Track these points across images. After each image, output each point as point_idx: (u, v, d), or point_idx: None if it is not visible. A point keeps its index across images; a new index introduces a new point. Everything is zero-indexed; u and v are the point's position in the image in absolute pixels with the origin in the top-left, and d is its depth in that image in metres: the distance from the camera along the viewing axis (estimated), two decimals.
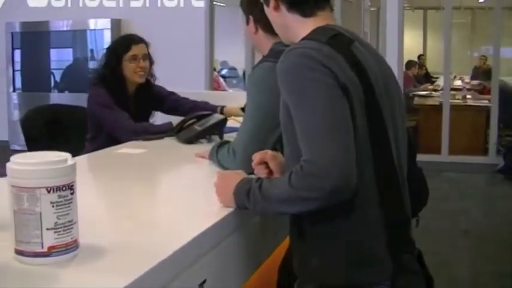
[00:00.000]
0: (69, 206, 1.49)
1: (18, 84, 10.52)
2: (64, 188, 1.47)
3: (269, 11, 2.08)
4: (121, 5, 9.50)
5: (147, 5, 9.30)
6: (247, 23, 2.75)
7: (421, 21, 17.01)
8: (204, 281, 1.79)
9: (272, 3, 2.04)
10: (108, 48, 4.01)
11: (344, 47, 1.87)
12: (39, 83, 10.54)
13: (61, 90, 10.45)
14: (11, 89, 10.47)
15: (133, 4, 9.40)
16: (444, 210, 5.96)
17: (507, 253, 5.27)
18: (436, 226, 5.28)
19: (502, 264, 4.99)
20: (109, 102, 3.81)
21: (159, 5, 9.34)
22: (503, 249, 5.39)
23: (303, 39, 1.93)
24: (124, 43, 3.94)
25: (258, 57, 2.80)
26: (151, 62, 4.02)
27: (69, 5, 9.77)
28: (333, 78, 1.77)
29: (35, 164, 1.47)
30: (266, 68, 2.57)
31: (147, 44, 3.99)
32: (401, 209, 1.90)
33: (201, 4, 9.23)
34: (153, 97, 4.10)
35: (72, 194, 1.49)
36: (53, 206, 1.46)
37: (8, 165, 1.48)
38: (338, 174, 1.70)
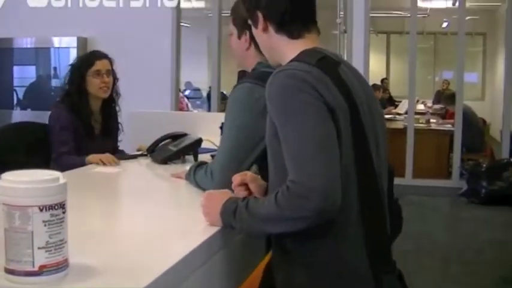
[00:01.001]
0: (60, 225, 1.48)
1: None
2: (56, 207, 1.46)
3: (257, 32, 2.11)
4: (87, 23, 9.45)
5: (114, 23, 9.26)
6: (239, 37, 2.74)
7: (385, 45, 17.18)
8: None
9: (261, 25, 2.07)
10: (71, 65, 4.01)
11: (332, 69, 1.91)
12: (1, 100, 10.42)
13: (24, 108, 10.34)
14: None
15: (99, 23, 9.35)
16: (408, 232, 5.96)
17: (471, 274, 5.32)
18: (400, 248, 5.28)
19: (466, 285, 5.05)
20: (64, 124, 3.81)
21: (125, 23, 9.32)
22: (467, 270, 5.44)
23: (292, 60, 1.96)
24: (87, 59, 3.97)
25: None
26: (115, 79, 4.03)
27: (32, 22, 9.70)
28: (321, 101, 1.81)
29: (27, 182, 1.46)
30: (246, 88, 2.58)
31: (110, 60, 4.01)
32: (383, 228, 1.93)
33: (169, 26, 9.22)
34: (116, 115, 4.13)
35: (63, 213, 1.48)
36: (45, 225, 1.45)
37: (0, 183, 1.47)
38: (324, 195, 1.73)
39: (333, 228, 1.84)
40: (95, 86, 3.87)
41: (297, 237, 1.88)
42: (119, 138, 4.22)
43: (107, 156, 3.55)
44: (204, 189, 2.53)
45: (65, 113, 3.83)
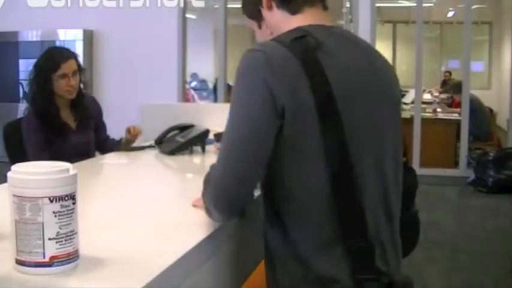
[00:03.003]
0: (71, 216, 1.48)
1: None
2: (66, 198, 1.46)
3: (265, 13, 2.02)
4: (93, 16, 9.44)
5: (119, 16, 9.25)
6: (260, 27, 2.36)
7: (391, 34, 17.13)
8: None
9: (265, 3, 1.98)
10: (35, 66, 3.83)
11: (304, 51, 1.75)
12: (8, 94, 10.43)
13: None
14: None
15: (105, 16, 9.35)
16: None
17: (479, 263, 5.32)
18: None
19: (474, 275, 5.04)
20: (36, 130, 3.72)
21: (132, 16, 9.31)
22: (475, 259, 5.44)
23: (272, 39, 1.86)
24: (51, 62, 3.76)
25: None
26: (81, 70, 3.87)
27: (38, 15, 9.70)
28: (265, 94, 1.70)
29: (38, 174, 1.46)
30: None
31: (76, 57, 3.86)
32: (363, 236, 1.76)
33: (175, 18, 9.22)
34: (89, 109, 3.99)
35: (74, 204, 1.48)
36: (55, 216, 1.45)
37: (10, 174, 1.47)
38: (217, 188, 1.76)
39: (310, 234, 1.77)
40: (61, 88, 3.74)
41: (279, 244, 1.84)
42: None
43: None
44: None
45: (34, 119, 3.74)
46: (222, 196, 1.76)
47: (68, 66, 3.75)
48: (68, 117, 3.86)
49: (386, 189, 1.85)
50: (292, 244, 1.79)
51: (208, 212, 1.87)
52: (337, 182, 1.73)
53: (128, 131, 3.83)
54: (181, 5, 8.73)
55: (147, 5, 8.68)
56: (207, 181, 1.86)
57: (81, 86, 3.91)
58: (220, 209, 1.79)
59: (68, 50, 3.89)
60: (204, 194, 1.89)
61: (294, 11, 1.92)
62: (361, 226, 1.76)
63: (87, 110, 3.94)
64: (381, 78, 1.91)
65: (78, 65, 3.85)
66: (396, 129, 1.93)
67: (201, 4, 9.05)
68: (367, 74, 1.85)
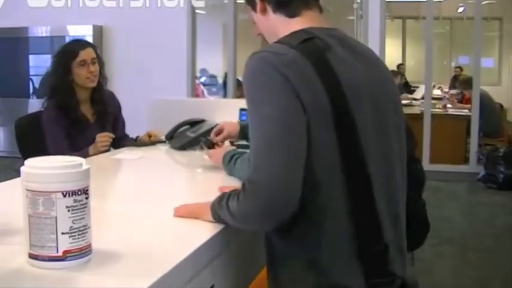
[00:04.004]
0: (84, 211, 1.48)
1: None
2: (79, 193, 1.47)
3: (257, 17, 1.99)
4: (102, 11, 9.46)
5: (129, 11, 9.27)
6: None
7: (400, 30, 17.08)
8: (212, 286, 1.80)
9: (259, 6, 1.95)
10: (55, 57, 3.89)
11: (315, 53, 1.75)
12: (18, 89, 10.46)
13: (40, 97, 10.35)
14: None
15: (115, 11, 9.36)
16: None
17: (489, 260, 5.30)
18: None
19: (484, 271, 5.02)
20: (55, 123, 3.72)
21: (141, 11, 9.32)
22: (485, 256, 5.42)
23: (276, 42, 1.84)
24: (71, 50, 3.82)
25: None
26: (102, 64, 3.91)
27: (48, 10, 9.72)
28: (287, 87, 1.67)
29: (51, 168, 1.46)
30: None
31: (94, 47, 3.91)
32: (378, 239, 1.75)
33: (184, 13, 9.23)
34: (108, 104, 3.99)
35: (86, 198, 1.49)
36: (68, 210, 1.45)
37: (23, 169, 1.48)
38: (274, 193, 1.62)
39: (322, 238, 1.72)
40: (82, 76, 3.76)
41: (285, 247, 1.80)
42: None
43: (101, 137, 3.59)
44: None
45: (54, 112, 3.75)
46: (279, 201, 1.63)
47: (87, 53, 3.79)
48: (86, 110, 3.87)
49: (394, 189, 1.84)
50: (300, 247, 1.76)
51: (234, 219, 1.76)
52: (353, 182, 1.71)
53: (148, 135, 3.84)
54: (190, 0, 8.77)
55: (157, 0, 8.71)
56: (250, 191, 1.67)
57: (101, 80, 3.92)
58: (271, 215, 1.66)
59: (85, 40, 3.95)
60: (241, 203, 1.71)
61: (292, 14, 1.91)
62: (376, 228, 1.74)
63: (106, 105, 3.95)
64: (380, 77, 1.90)
65: (97, 54, 3.89)
66: (399, 128, 1.91)
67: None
68: (369, 74, 1.84)
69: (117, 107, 4.10)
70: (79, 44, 3.89)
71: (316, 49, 1.76)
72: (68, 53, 3.81)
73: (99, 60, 3.89)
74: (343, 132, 1.70)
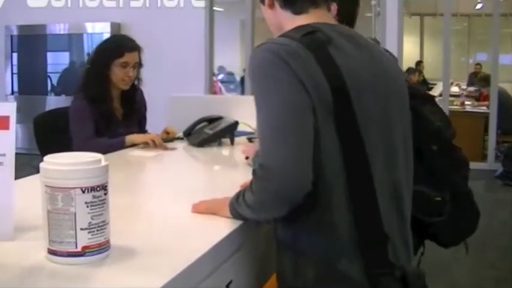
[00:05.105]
0: (102, 207, 1.49)
1: (16, 87, 10.49)
2: (98, 189, 1.48)
3: (265, 10, 2.01)
4: (120, 8, 9.49)
5: (147, 8, 9.29)
6: None
7: (418, 27, 17.02)
8: (231, 282, 1.80)
9: (267, 0, 1.97)
10: (99, 47, 3.82)
11: (317, 46, 1.76)
12: (36, 86, 10.52)
13: (58, 94, 10.44)
14: (9, 92, 10.45)
15: (132, 8, 9.39)
16: None
17: (507, 259, 5.29)
18: None
19: (502, 270, 5.00)
20: (85, 114, 3.61)
21: (158, 7, 9.34)
22: (503, 255, 5.40)
23: (280, 36, 1.85)
24: (117, 48, 3.71)
25: None
26: (141, 66, 3.80)
27: (67, 6, 9.77)
28: (292, 76, 1.69)
29: (70, 164, 1.47)
30: None
31: (140, 51, 3.78)
32: (377, 228, 1.76)
33: (202, 10, 9.24)
34: (137, 102, 3.93)
35: (105, 194, 1.50)
36: (87, 206, 1.46)
37: (42, 165, 1.49)
38: (286, 176, 1.64)
39: (322, 226, 1.75)
40: (118, 77, 3.66)
41: (288, 235, 1.83)
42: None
43: (157, 138, 3.48)
44: None
45: (85, 104, 3.64)
46: (291, 183, 1.66)
47: (132, 57, 3.69)
48: (116, 107, 3.79)
49: (397, 181, 1.85)
50: (301, 236, 1.79)
51: (252, 210, 1.79)
52: (353, 172, 1.72)
53: (166, 131, 3.79)
54: None
55: None
56: (263, 177, 1.70)
57: (136, 82, 3.85)
58: (286, 198, 1.69)
59: (134, 41, 3.80)
60: (255, 192, 1.74)
61: (298, 11, 1.92)
62: (375, 219, 1.75)
63: (136, 104, 3.90)
64: (385, 71, 1.90)
65: (140, 59, 3.78)
66: (405, 120, 1.92)
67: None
68: (373, 67, 1.85)
69: (144, 105, 4.04)
70: (127, 44, 3.76)
71: (318, 41, 1.78)
72: (113, 50, 3.70)
73: (140, 63, 3.79)
74: (343, 123, 1.72)
